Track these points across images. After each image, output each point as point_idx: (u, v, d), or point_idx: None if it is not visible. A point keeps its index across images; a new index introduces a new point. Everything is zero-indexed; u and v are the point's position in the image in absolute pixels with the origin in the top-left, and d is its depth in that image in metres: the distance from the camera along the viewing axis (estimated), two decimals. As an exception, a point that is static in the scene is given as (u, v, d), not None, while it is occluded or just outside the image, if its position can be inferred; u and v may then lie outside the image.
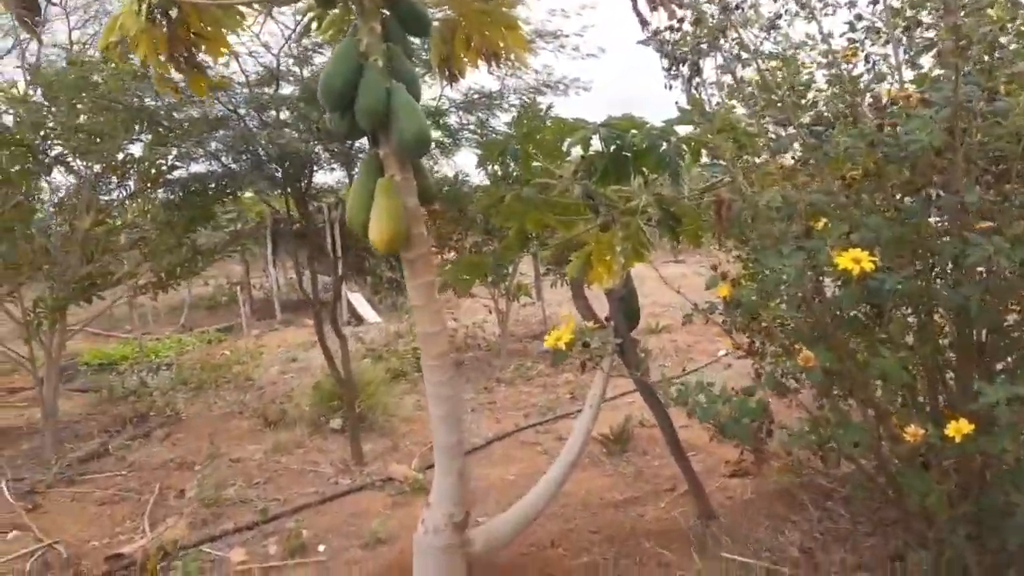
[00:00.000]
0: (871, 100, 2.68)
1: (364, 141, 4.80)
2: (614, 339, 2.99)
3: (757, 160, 3.06)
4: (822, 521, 3.63)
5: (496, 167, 3.43)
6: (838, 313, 2.63)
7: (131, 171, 4.71)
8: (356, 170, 4.78)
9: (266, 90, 4.19)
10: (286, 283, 14.59)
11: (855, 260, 2.21)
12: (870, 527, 3.50)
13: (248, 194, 5.20)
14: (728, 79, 3.22)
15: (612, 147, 2.80)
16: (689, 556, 3.31)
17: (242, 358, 8.40)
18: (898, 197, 2.73)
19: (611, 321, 3.09)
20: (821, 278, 2.60)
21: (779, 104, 3.08)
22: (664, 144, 2.63)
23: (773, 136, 3.11)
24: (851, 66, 2.90)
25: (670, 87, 5.15)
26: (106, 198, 4.85)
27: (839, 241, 2.38)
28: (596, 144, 2.86)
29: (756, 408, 2.65)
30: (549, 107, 2.94)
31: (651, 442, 4.88)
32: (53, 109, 4.32)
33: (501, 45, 2.91)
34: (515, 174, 3.17)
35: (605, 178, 2.96)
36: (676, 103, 4.41)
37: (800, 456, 3.10)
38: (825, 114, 3.07)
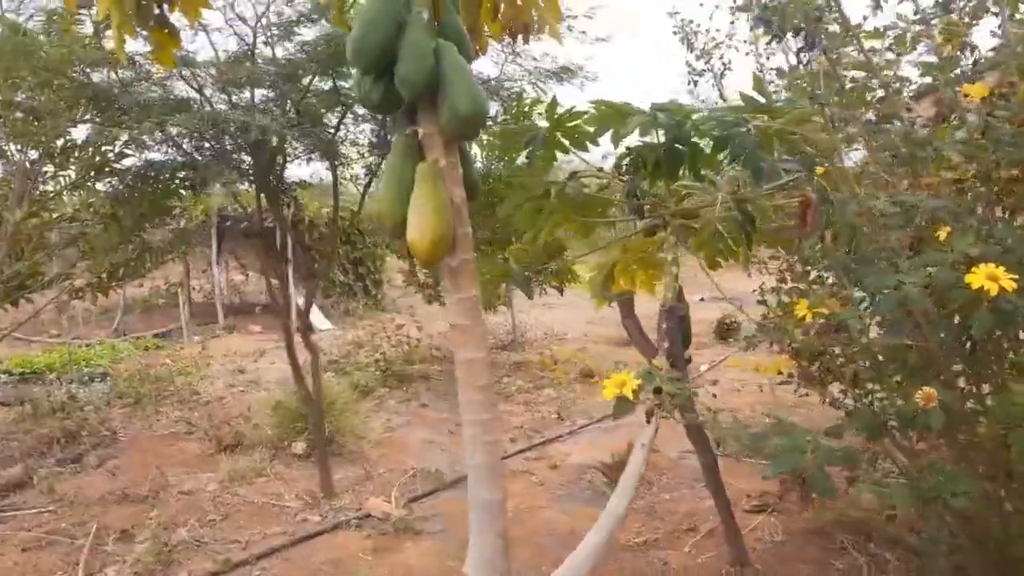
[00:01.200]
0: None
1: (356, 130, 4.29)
2: (670, 369, 2.51)
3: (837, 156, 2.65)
4: (871, 570, 3.23)
5: (521, 158, 2.92)
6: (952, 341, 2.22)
7: (72, 158, 4.03)
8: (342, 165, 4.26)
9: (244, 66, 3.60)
10: (228, 285, 13.75)
11: (991, 277, 1.80)
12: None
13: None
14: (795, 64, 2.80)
15: (668, 137, 2.37)
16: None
17: (185, 368, 7.66)
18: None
19: (667, 345, 2.61)
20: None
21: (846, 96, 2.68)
22: (742, 134, 2.18)
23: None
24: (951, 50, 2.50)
25: (694, 81, 4.75)
26: (44, 188, 4.16)
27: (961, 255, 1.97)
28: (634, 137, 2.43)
29: (847, 456, 2.21)
30: (554, 99, 2.46)
31: (656, 471, 4.44)
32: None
33: (534, 15, 2.41)
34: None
35: (655, 174, 2.51)
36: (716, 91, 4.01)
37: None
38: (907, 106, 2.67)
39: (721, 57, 4.17)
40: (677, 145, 2.41)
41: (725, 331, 8.54)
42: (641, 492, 4.15)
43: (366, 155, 4.34)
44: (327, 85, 3.80)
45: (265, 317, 11.81)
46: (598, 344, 8.19)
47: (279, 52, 3.85)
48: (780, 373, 3.14)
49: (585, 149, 2.77)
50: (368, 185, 4.39)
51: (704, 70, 4.46)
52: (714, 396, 5.57)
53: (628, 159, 2.60)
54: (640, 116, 2.29)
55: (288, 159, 4.22)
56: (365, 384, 6.46)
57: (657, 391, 2.17)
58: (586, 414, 5.64)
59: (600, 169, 2.56)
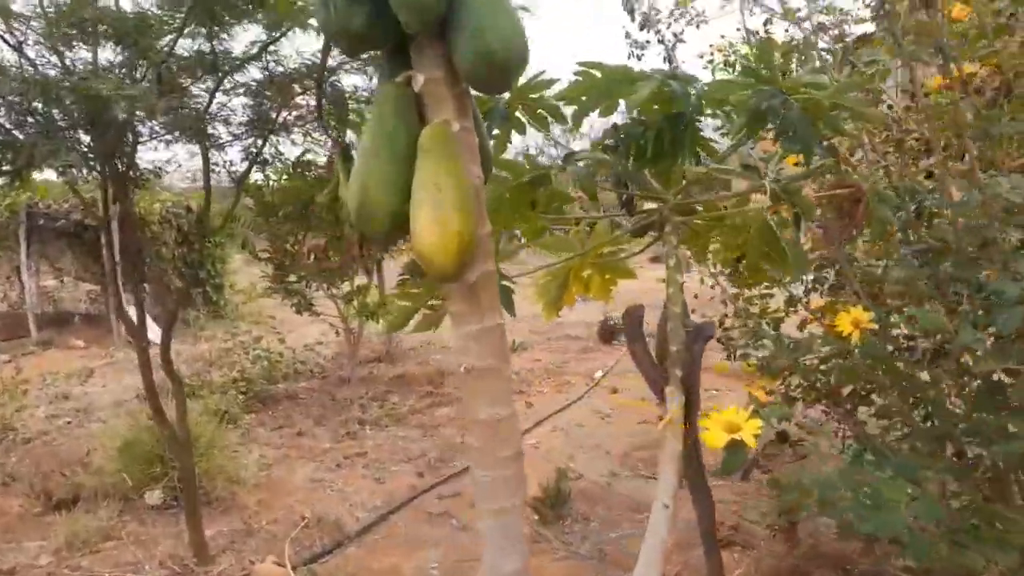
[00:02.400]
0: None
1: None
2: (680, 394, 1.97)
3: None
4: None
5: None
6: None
7: None
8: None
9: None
10: (40, 293, 11.96)
11: None
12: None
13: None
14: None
15: (671, 113, 1.88)
16: None
17: (-7, 396, 6.33)
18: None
19: (680, 373, 2.07)
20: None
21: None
22: (786, 106, 1.70)
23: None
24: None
25: (638, 56, 4.26)
26: None
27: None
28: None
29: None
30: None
31: (588, 501, 3.92)
32: None
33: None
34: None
35: (650, 158, 2.00)
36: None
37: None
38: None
39: (670, 26, 3.72)
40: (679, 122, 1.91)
41: (608, 334, 8.22)
42: (576, 528, 3.62)
43: (242, 136, 3.51)
44: (197, 44, 2.98)
45: (87, 329, 10.32)
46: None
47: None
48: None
49: (546, 128, 2.21)
50: (247, 173, 3.57)
51: (648, 42, 4.00)
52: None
53: (612, 140, 2.04)
54: (652, 81, 1.75)
55: (141, 139, 3.34)
56: (225, 410, 5.51)
57: (782, 439, 1.65)
58: (493, 435, 5.03)
59: (604, 150, 1.98)
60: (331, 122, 3.05)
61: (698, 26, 3.69)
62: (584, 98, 1.88)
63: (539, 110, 2.09)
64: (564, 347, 8.01)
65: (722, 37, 3.37)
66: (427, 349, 7.81)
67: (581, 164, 1.97)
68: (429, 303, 1.98)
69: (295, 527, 3.72)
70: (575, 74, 1.83)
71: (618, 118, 2.00)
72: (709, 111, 1.84)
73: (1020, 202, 1.53)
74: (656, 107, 1.87)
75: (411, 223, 1.22)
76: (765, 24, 3.19)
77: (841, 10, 3.07)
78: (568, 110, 2.02)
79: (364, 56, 3.23)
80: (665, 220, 2.05)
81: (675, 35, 3.72)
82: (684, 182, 2.11)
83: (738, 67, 3.61)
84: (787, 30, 3.26)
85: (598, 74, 1.80)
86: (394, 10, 1.18)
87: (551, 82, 2.02)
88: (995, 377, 1.77)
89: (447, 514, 3.82)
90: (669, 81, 1.77)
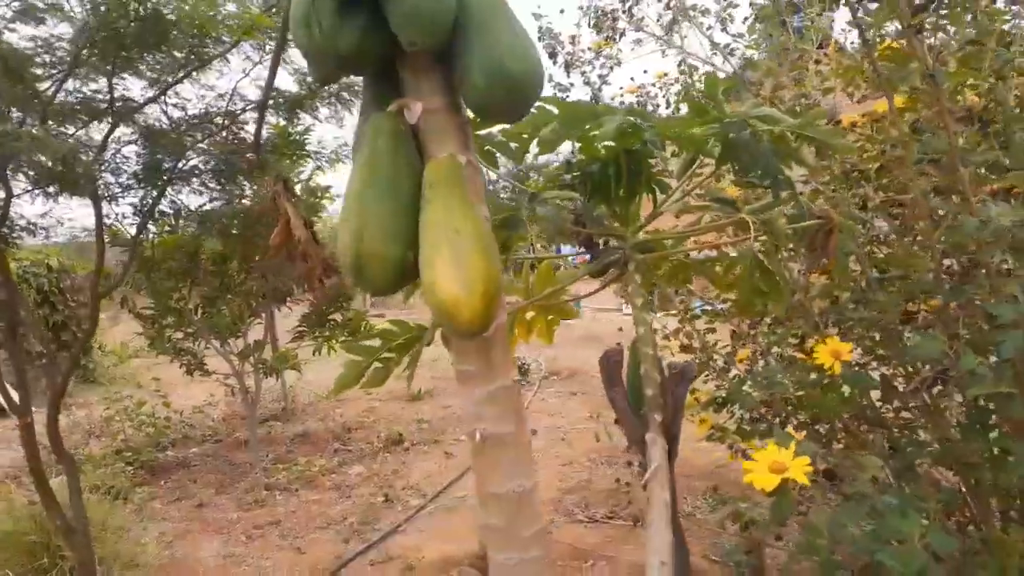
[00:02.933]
0: None
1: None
2: (662, 439, 1.87)
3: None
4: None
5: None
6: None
7: None
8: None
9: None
10: None
11: None
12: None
13: None
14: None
15: (628, 146, 1.82)
16: None
17: None
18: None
19: (659, 418, 1.96)
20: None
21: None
22: (752, 139, 1.69)
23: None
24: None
25: (564, 96, 4.15)
26: None
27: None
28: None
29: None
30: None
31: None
32: None
33: None
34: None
35: (607, 193, 1.93)
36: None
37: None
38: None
39: (595, 69, 3.68)
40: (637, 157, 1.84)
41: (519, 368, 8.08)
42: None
43: (134, 187, 3.20)
44: (93, 85, 2.68)
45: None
46: (385, 401, 7.28)
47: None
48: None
49: (494, 164, 2.09)
50: (142, 228, 3.24)
51: (572, 84, 3.96)
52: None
53: (570, 175, 1.95)
54: (617, 116, 1.66)
55: (14, 194, 2.98)
56: (112, 484, 4.98)
57: (829, 476, 1.54)
58: (415, 491, 4.76)
59: (572, 188, 1.87)
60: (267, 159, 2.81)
61: (611, 68, 3.68)
62: (543, 132, 1.76)
63: (487, 147, 1.96)
64: (470, 391, 7.81)
65: (665, 74, 3.36)
66: (325, 404, 7.43)
67: (547, 206, 1.85)
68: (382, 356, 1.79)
69: (208, 614, 3.35)
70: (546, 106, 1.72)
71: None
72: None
73: (1008, 226, 1.51)
74: (612, 144, 1.79)
75: (424, 273, 1.05)
76: (679, 65, 3.20)
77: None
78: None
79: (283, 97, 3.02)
80: (628, 258, 1.95)
81: (600, 76, 3.71)
82: (641, 219, 2.02)
83: (681, 104, 3.61)
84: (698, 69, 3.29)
85: (554, 109, 1.69)
86: (395, 26, 1.02)
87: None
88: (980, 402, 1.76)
89: (383, 583, 3.55)
90: (630, 116, 1.69)
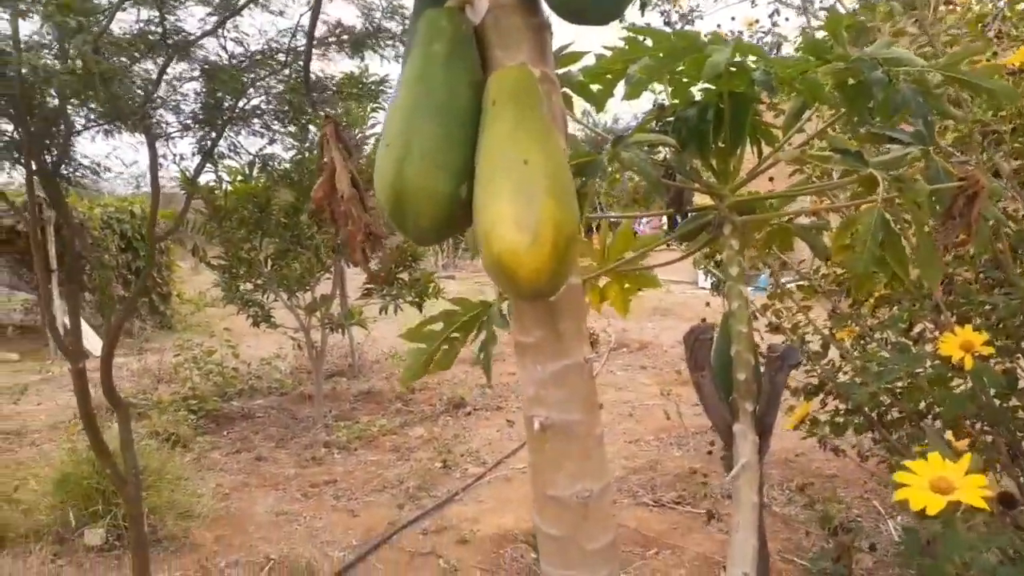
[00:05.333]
0: None
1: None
2: (752, 433, 1.59)
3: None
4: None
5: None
6: None
7: None
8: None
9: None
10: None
11: None
12: None
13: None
14: None
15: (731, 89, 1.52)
16: None
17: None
18: None
19: (751, 408, 1.69)
20: None
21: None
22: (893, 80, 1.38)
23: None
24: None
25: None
26: None
27: None
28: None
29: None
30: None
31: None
32: None
33: None
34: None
35: (702, 140, 1.64)
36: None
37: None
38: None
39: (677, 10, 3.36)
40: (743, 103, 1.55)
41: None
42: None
43: (194, 128, 3.05)
44: (143, 15, 2.53)
45: (21, 341, 9.62)
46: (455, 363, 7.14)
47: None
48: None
49: (571, 108, 1.82)
50: (200, 170, 3.11)
51: (649, 24, 3.64)
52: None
53: (658, 124, 1.67)
54: (727, 47, 1.37)
55: (75, 129, 2.87)
56: (174, 432, 4.99)
57: (1008, 503, 1.27)
58: (475, 458, 4.61)
59: (665, 131, 1.60)
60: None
61: (692, 22, 3.36)
62: (633, 69, 1.49)
63: (563, 89, 1.70)
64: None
65: (756, 21, 3.03)
66: (393, 362, 7.34)
67: (637, 151, 1.58)
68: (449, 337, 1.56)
69: (260, 570, 3.26)
70: (622, 41, 1.45)
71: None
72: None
73: None
74: (712, 86, 1.51)
75: (480, 214, 0.81)
76: (771, 16, 2.87)
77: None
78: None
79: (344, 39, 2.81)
80: (723, 220, 1.67)
81: (683, 16, 3.36)
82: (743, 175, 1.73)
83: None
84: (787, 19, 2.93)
85: (648, 41, 1.41)
86: None
87: (579, 55, 1.64)
88: None
89: (433, 553, 3.39)
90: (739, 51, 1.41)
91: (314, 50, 2.69)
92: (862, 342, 2.53)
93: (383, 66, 2.90)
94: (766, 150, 1.66)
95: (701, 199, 1.77)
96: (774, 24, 2.92)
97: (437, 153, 0.84)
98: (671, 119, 1.65)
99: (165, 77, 2.81)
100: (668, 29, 3.68)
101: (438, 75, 0.86)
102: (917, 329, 2.42)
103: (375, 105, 4.56)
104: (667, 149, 1.64)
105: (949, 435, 1.42)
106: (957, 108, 1.93)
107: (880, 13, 2.22)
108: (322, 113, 2.46)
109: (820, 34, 2.11)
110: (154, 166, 2.84)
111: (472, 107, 0.86)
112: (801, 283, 2.79)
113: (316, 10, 1.97)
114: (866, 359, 2.15)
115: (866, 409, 2.33)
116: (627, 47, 1.41)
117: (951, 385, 1.83)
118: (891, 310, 2.40)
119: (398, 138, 0.86)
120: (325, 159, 1.69)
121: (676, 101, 1.60)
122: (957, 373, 1.70)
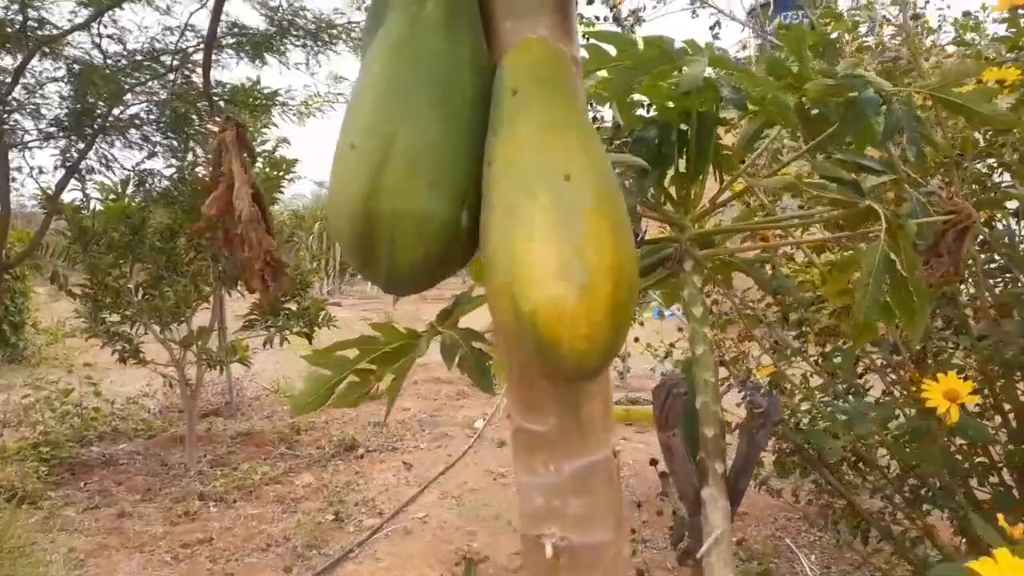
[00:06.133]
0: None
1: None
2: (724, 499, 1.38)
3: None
4: None
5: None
6: None
7: None
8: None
9: None
10: None
11: None
12: None
13: None
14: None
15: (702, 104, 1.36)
16: None
17: None
18: None
19: (720, 468, 1.47)
20: None
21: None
22: (882, 104, 1.26)
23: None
24: None
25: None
26: None
27: None
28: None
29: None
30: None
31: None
32: None
33: None
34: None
35: (664, 165, 1.46)
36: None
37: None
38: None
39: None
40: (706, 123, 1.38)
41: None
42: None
43: (56, 136, 2.62)
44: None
45: None
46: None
47: None
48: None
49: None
50: (63, 185, 2.67)
51: (599, 17, 3.42)
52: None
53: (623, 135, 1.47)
54: (702, 58, 1.18)
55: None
56: (19, 487, 4.35)
57: None
58: (370, 507, 4.21)
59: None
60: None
61: (641, 22, 3.22)
62: (591, 85, 1.27)
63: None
64: (434, 391, 7.28)
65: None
66: (275, 399, 6.82)
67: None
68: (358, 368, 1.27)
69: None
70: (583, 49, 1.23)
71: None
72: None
73: None
74: (671, 104, 1.32)
75: (497, 253, 0.55)
76: (712, 28, 2.77)
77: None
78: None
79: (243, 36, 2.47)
80: (684, 254, 1.46)
81: (633, 12, 3.19)
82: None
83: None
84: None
85: (612, 50, 1.20)
86: None
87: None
88: None
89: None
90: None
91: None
92: (805, 379, 2.41)
93: (282, 75, 2.58)
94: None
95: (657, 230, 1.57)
96: (716, 37, 2.81)
97: (432, 159, 0.57)
98: (627, 138, 1.44)
99: (23, 78, 2.39)
100: (618, 28, 3.53)
101: (432, 42, 0.59)
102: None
103: (267, 120, 4.18)
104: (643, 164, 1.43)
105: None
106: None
107: (845, 24, 2.13)
108: (218, 118, 2.11)
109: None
110: (5, 180, 2.40)
111: (477, 96, 0.60)
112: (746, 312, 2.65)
113: (219, 6, 1.66)
114: (827, 405, 2.01)
115: (811, 451, 2.20)
116: (588, 55, 1.19)
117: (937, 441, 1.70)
118: (838, 344, 2.28)
119: (371, 135, 0.58)
120: (223, 168, 1.34)
121: (654, 115, 1.41)
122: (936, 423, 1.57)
